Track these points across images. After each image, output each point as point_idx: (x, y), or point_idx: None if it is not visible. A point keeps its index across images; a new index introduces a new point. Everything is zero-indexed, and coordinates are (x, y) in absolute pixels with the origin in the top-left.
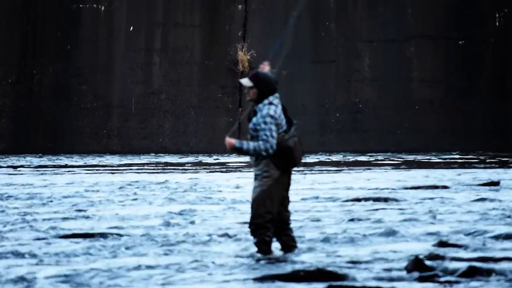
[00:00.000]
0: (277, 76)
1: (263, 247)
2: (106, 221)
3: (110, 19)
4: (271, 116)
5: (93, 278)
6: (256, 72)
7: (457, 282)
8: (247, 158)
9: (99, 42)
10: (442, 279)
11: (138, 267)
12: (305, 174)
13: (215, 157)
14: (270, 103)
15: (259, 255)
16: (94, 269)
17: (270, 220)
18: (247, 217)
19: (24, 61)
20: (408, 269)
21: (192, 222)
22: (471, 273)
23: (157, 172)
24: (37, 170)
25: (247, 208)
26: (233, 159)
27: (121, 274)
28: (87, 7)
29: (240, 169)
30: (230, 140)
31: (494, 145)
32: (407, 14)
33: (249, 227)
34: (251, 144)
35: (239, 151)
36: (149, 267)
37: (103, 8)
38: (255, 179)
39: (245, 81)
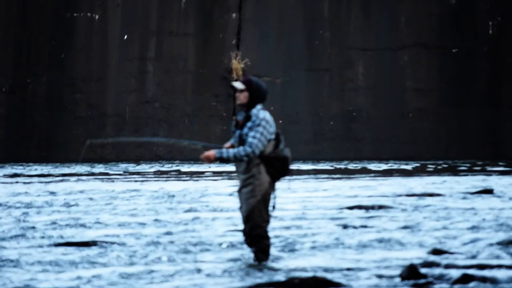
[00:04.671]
0: (271, 85)
1: (262, 256)
2: (101, 229)
3: (104, 28)
4: (267, 121)
5: (87, 286)
6: (249, 77)
7: None
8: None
9: (93, 51)
10: (436, 287)
11: (130, 275)
12: (299, 182)
13: (208, 165)
14: (263, 109)
15: (254, 263)
16: (86, 277)
17: (267, 229)
18: (240, 225)
19: (18, 70)
20: (403, 276)
21: (186, 230)
22: (465, 280)
23: (152, 181)
24: (32, 179)
25: (240, 216)
26: (227, 168)
27: (113, 282)
28: (81, 16)
29: (234, 176)
30: (207, 153)
31: (488, 153)
32: (401, 23)
33: (247, 237)
34: (231, 151)
35: (220, 160)
36: (141, 274)
37: (97, 17)
38: (244, 186)
39: (238, 84)
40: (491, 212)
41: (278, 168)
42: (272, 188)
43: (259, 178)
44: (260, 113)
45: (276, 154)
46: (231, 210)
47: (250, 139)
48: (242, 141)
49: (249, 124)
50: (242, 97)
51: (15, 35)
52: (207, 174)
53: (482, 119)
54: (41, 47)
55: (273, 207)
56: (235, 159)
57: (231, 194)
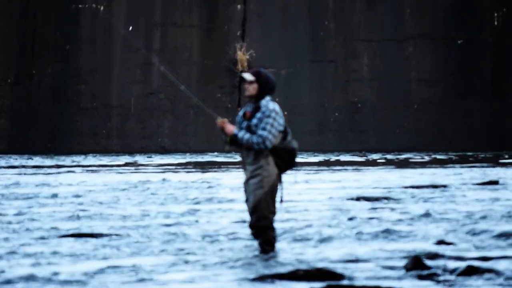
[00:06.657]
0: (276, 76)
1: (268, 248)
2: (106, 221)
3: (109, 19)
4: (277, 113)
5: (91, 277)
6: (258, 68)
7: (456, 281)
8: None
9: (98, 42)
10: (441, 278)
11: (136, 267)
12: (303, 173)
13: (214, 156)
14: (272, 101)
15: (259, 254)
16: (91, 268)
17: (273, 220)
18: (246, 216)
19: (23, 62)
20: (407, 268)
21: (191, 222)
22: (470, 272)
23: (157, 172)
24: (36, 170)
25: (245, 207)
26: (231, 158)
27: (118, 273)
28: (86, 7)
29: (239, 168)
30: (228, 127)
31: (492, 145)
32: (406, 14)
33: (253, 229)
34: (246, 136)
35: (233, 138)
36: (147, 266)
37: (102, 8)
38: (252, 177)
39: (247, 75)
40: (496, 204)
41: (286, 159)
42: (279, 179)
43: (268, 169)
44: (270, 104)
45: (285, 146)
46: (237, 201)
47: (260, 131)
48: (250, 132)
49: (258, 115)
50: (251, 89)
51: (20, 27)
52: (213, 166)
53: (487, 110)
54: (45, 39)
55: (281, 199)
56: (246, 144)
57: (237, 186)
